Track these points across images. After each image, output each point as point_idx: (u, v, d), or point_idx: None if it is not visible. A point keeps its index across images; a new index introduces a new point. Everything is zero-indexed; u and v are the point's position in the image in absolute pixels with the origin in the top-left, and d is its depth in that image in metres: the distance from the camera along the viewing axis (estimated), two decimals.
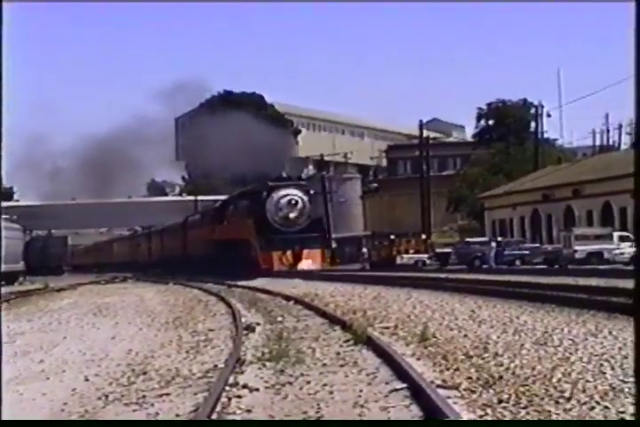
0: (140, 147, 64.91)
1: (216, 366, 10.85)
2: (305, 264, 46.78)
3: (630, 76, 6.44)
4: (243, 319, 17.21)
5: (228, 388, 8.98)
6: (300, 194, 48.97)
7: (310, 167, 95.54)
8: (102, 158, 65.61)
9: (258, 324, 16.28)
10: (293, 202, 48.26)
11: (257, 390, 8.96)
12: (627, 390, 7.66)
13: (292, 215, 48.23)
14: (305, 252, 47.20)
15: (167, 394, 9.17)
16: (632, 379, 8.18)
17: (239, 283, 35.91)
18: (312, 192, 51.28)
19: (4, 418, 7.58)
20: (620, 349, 10.03)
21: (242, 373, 10.17)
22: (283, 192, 48.54)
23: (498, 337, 11.99)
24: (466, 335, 12.41)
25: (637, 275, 6.79)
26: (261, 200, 48.80)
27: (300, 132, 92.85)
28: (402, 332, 13.39)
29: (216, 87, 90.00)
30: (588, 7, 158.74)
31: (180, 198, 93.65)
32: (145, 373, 10.84)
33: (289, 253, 47.06)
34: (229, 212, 54.76)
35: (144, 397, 9.12)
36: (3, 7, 6.95)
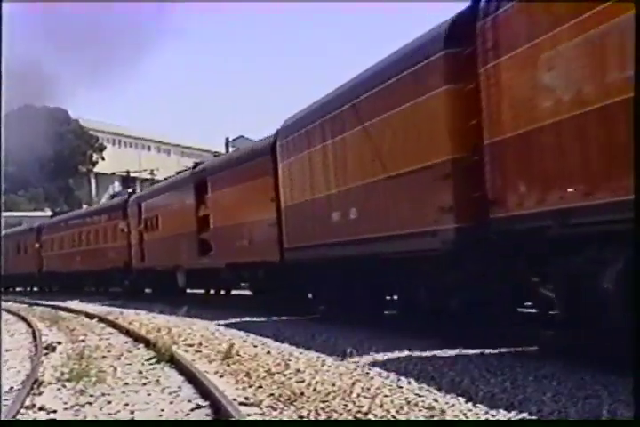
0: None
1: (12, 388, 10.51)
2: None
3: None
4: (43, 338, 16.77)
5: (23, 410, 8.72)
6: None
7: (116, 184, 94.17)
8: None
9: (59, 343, 15.90)
10: None
11: (54, 411, 8.75)
12: (420, 403, 7.90)
13: None
14: None
15: None
16: (427, 392, 8.46)
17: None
18: None
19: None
20: (415, 364, 10.33)
21: (39, 394, 9.90)
22: None
23: (300, 354, 12.13)
24: (269, 352, 12.50)
25: (637, 276, 6.97)
26: None
27: (105, 148, 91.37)
28: (206, 349, 13.37)
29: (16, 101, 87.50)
30: None
31: None
32: None
33: None
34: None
35: None
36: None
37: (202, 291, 29.02)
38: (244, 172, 21.82)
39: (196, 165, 27.53)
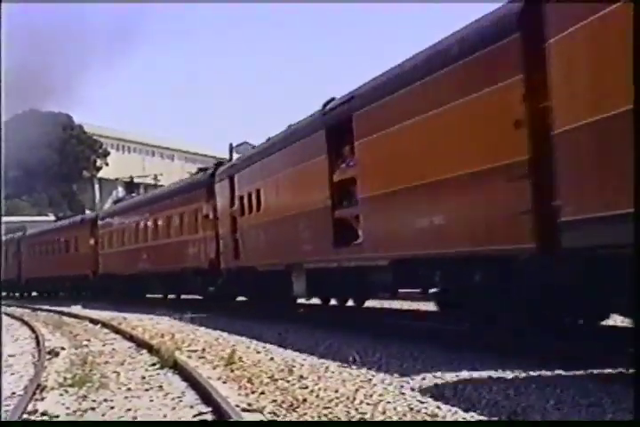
0: None
1: (14, 393, 10.51)
2: None
3: None
4: (46, 344, 16.77)
5: (25, 416, 8.72)
6: None
7: (120, 189, 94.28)
8: None
9: (62, 348, 15.90)
10: None
11: (57, 416, 8.75)
12: (423, 410, 7.89)
13: None
14: None
15: None
16: (430, 399, 8.44)
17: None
18: None
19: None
20: (418, 371, 10.31)
21: (42, 399, 9.90)
22: None
23: (304, 360, 12.11)
24: (272, 358, 12.49)
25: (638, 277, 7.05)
26: None
27: (108, 153, 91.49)
28: (209, 355, 13.36)
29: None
30: None
31: None
32: None
33: None
34: None
35: None
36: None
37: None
38: (443, 83, 11.61)
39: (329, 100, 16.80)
